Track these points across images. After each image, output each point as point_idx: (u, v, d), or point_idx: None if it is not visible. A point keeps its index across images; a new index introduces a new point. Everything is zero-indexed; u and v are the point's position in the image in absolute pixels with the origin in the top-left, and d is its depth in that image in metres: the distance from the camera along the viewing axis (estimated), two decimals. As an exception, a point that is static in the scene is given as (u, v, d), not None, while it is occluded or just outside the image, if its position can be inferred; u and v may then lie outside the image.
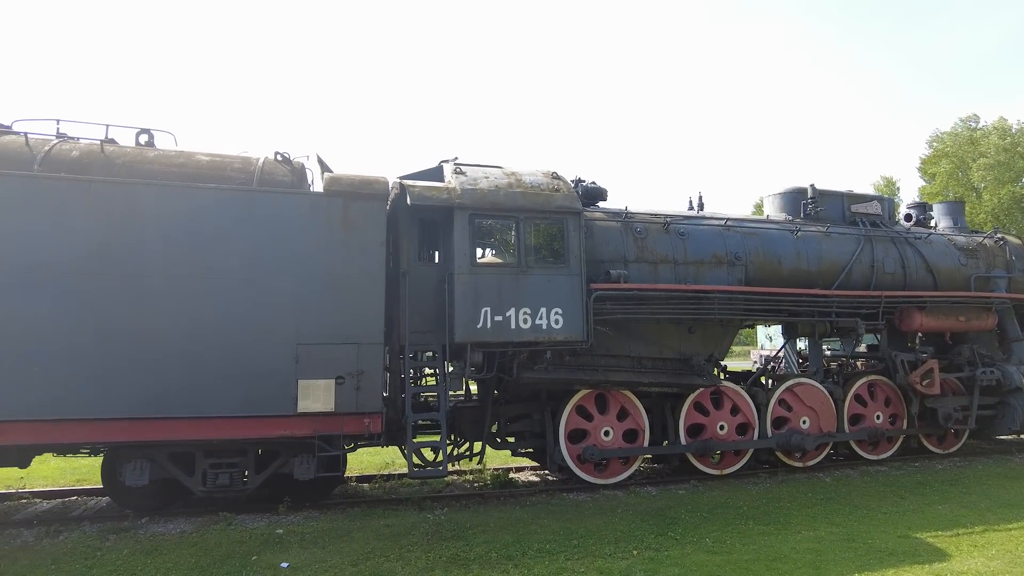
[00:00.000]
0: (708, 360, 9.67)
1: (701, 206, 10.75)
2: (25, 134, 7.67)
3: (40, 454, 7.89)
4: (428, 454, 8.60)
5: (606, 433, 9.11)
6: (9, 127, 7.80)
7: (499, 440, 9.21)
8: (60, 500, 8.70)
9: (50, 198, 6.98)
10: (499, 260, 8.50)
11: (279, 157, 8.06)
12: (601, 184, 9.92)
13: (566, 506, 8.21)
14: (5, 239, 6.77)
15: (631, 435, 9.29)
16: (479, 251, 8.49)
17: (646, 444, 9.29)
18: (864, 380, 10.75)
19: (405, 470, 9.68)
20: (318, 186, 8.54)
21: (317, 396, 7.27)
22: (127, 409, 6.89)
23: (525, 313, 8.13)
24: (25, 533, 7.10)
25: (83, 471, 10.00)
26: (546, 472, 10.14)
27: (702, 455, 9.54)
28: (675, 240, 9.64)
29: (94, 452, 8.04)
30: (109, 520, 7.47)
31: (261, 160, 7.95)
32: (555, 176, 8.99)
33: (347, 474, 9.02)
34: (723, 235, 9.90)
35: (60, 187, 7.03)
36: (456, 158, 9.16)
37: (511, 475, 10.03)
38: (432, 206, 8.20)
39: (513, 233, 8.37)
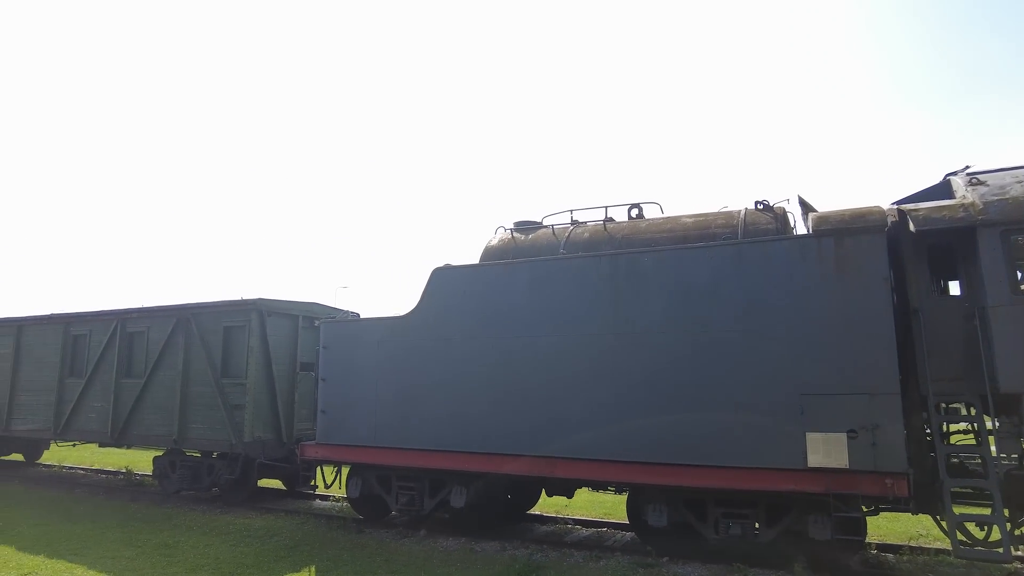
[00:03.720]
0: None
1: None
2: (552, 226, 9.62)
3: (579, 488, 9.37)
4: (974, 530, 7.03)
5: None
6: (540, 223, 9.91)
7: (1086, 523, 6.92)
8: (594, 530, 10.13)
9: (572, 273, 8.48)
10: (1055, 284, 6.61)
11: (759, 206, 8.11)
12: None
13: None
14: (544, 310, 8.47)
15: None
16: (1020, 274, 6.78)
17: None
18: None
19: (941, 544, 8.17)
20: (801, 228, 8.26)
21: (828, 450, 6.76)
22: (644, 454, 7.66)
23: (1113, 351, 6.06)
24: (575, 554, 8.45)
25: (607, 506, 11.49)
26: None
27: None
28: None
29: (618, 490, 9.17)
30: (636, 554, 8.30)
31: (742, 212, 8.12)
32: None
33: (867, 540, 8.05)
34: None
35: (578, 263, 8.48)
36: (967, 167, 7.67)
37: (1113, 573, 7.39)
38: (944, 229, 6.97)
39: (1074, 246, 6.43)
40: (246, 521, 10.62)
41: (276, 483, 13.39)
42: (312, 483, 12.08)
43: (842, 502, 6.86)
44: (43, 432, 14.59)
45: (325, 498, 12.70)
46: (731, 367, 7.29)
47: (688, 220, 8.50)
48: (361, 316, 12.26)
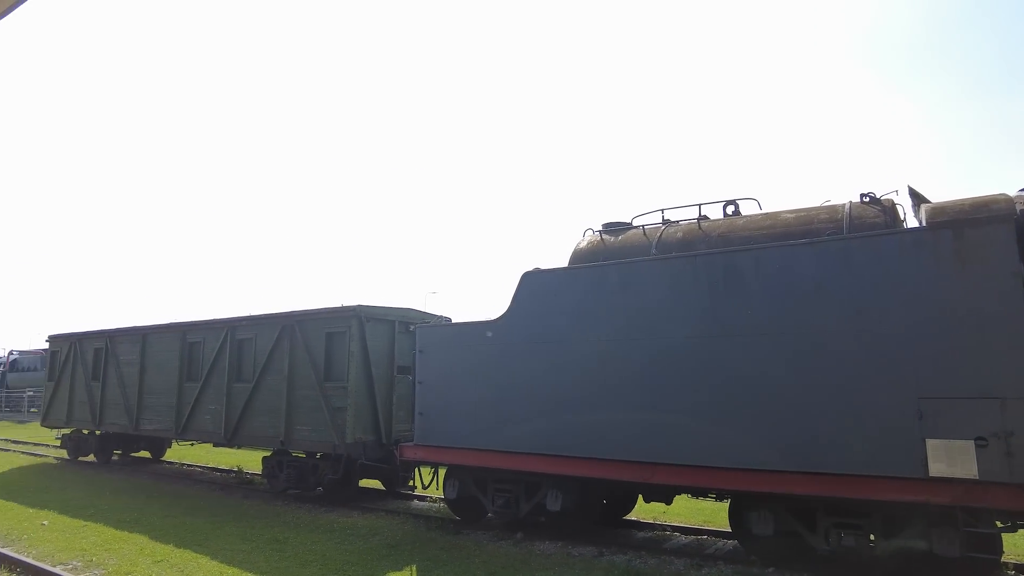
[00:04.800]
0: None
1: None
2: (643, 227, 9.47)
3: (679, 494, 9.15)
4: None
5: None
6: (630, 224, 9.78)
7: None
8: (694, 537, 9.86)
9: (666, 275, 8.30)
10: None
11: (865, 199, 7.66)
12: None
13: None
14: (637, 312, 8.34)
15: None
16: None
17: None
18: None
19: (1090, 565, 7.40)
20: (912, 222, 7.74)
21: (952, 459, 6.28)
22: (746, 460, 7.39)
23: None
24: (676, 561, 8.27)
25: (707, 513, 11.15)
26: None
27: None
28: None
29: (719, 497, 8.89)
30: (740, 563, 8.02)
31: (847, 206, 7.71)
32: None
33: (1003, 559, 7.41)
34: None
35: (672, 264, 8.30)
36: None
37: None
38: (1088, 216, 6.32)
39: None
40: (349, 520, 11.07)
41: (376, 483, 13.88)
42: (410, 484, 12.42)
43: (972, 516, 6.35)
44: (166, 432, 15.82)
45: (423, 499, 13.04)
46: (839, 369, 6.90)
47: (789, 216, 8.14)
48: (452, 320, 12.53)
